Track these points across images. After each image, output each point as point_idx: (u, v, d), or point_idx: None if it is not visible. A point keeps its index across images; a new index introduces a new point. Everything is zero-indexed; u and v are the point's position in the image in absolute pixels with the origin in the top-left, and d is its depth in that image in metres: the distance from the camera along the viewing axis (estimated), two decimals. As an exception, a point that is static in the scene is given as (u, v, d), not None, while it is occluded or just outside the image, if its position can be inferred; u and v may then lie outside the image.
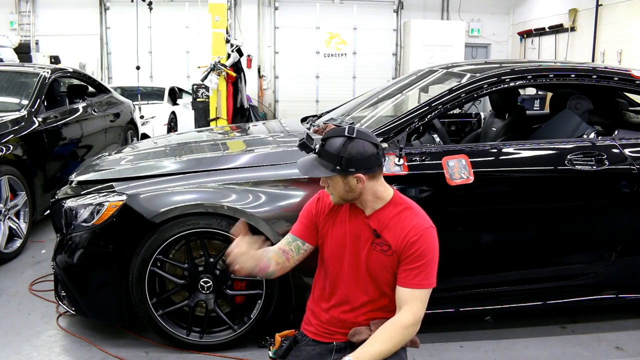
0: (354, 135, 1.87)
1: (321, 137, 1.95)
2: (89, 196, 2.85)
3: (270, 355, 2.04)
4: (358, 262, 1.98)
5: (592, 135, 3.07)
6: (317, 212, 2.07)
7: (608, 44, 10.27)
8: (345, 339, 1.97)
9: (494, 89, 3.04)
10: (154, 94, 9.95)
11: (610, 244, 3.01)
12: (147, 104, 9.19)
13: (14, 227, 4.25)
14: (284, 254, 2.05)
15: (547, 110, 4.07)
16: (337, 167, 1.86)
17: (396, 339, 1.84)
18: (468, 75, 3.10)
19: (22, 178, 4.29)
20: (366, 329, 1.94)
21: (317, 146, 1.92)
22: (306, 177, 2.74)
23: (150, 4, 9.16)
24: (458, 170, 2.79)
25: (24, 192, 4.32)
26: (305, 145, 1.93)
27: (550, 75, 3.10)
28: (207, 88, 7.88)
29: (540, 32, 12.47)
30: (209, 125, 7.70)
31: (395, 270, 1.93)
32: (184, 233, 2.71)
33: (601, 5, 10.42)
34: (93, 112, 5.87)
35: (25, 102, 4.82)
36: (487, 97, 3.49)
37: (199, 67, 8.18)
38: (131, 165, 3.20)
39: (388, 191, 1.98)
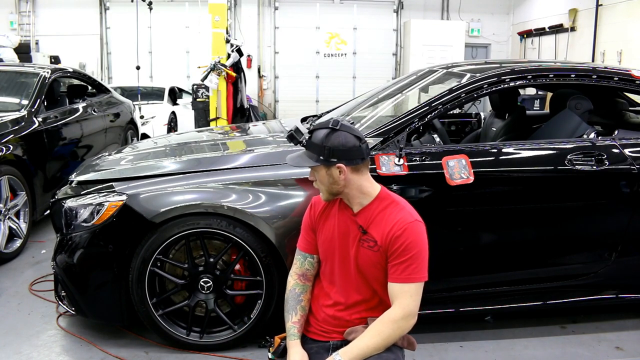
0: (338, 128, 1.93)
1: (292, 134, 2.01)
2: (89, 196, 2.85)
3: (270, 357, 2.04)
4: (348, 260, 2.00)
5: (592, 135, 3.07)
6: (311, 219, 2.12)
7: (608, 44, 10.27)
8: (342, 338, 1.99)
9: (494, 89, 3.04)
10: (154, 94, 9.95)
11: (610, 244, 3.01)
12: (147, 104, 9.19)
13: (14, 227, 4.25)
14: (305, 279, 2.12)
15: (547, 110, 4.07)
16: (320, 157, 1.92)
17: (385, 332, 1.86)
18: (468, 75, 3.10)
19: (22, 178, 4.29)
20: (362, 328, 1.95)
21: (305, 139, 1.97)
22: (305, 176, 2.74)
23: (150, 4, 9.16)
24: (458, 170, 2.79)
25: (24, 192, 4.32)
26: (292, 137, 2.00)
27: (550, 75, 3.09)
28: (207, 88, 7.88)
29: (540, 32, 12.47)
30: (209, 125, 7.70)
31: (384, 266, 1.95)
32: (183, 233, 2.71)
33: (601, 5, 10.41)
34: (93, 112, 5.87)
35: (25, 102, 4.81)
36: (487, 97, 3.49)
37: (199, 67, 8.19)
38: (131, 165, 3.19)
39: (374, 187, 2.01)
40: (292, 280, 2.12)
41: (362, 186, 1.98)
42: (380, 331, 1.87)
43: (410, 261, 1.90)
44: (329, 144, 1.91)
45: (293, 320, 2.03)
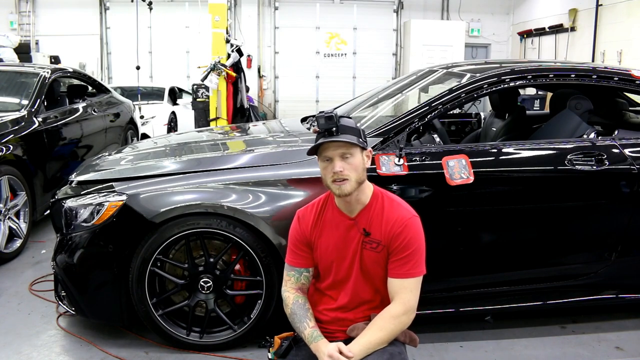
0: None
1: (333, 114, 1.93)
2: (89, 196, 2.85)
3: (270, 357, 2.04)
4: (351, 265, 2.01)
5: (592, 135, 3.07)
6: (303, 232, 2.08)
7: (608, 44, 10.27)
8: (345, 336, 2.00)
9: (494, 89, 3.04)
10: (154, 94, 9.96)
11: (610, 244, 3.01)
12: (147, 104, 9.19)
13: (14, 227, 4.25)
14: (302, 292, 2.09)
15: (547, 110, 4.07)
16: (360, 140, 1.94)
17: (387, 328, 1.89)
18: (468, 75, 3.10)
19: (22, 178, 4.29)
20: (363, 324, 1.97)
21: (334, 124, 1.92)
22: (305, 176, 2.75)
23: (150, 4, 9.16)
24: (458, 170, 2.79)
25: (24, 192, 4.32)
26: (331, 118, 1.91)
27: (550, 75, 3.09)
28: (207, 88, 7.88)
29: (540, 32, 12.48)
30: (209, 125, 7.70)
31: (386, 264, 1.97)
32: (184, 233, 2.71)
33: (601, 5, 10.42)
34: (93, 112, 5.87)
35: (25, 102, 4.81)
36: (487, 97, 3.49)
37: (199, 67, 8.18)
38: (131, 165, 3.19)
39: (369, 184, 2.05)
40: (291, 295, 2.07)
41: (366, 181, 2.01)
42: (382, 327, 1.89)
43: (410, 257, 1.93)
44: (361, 130, 1.97)
45: (311, 326, 1.98)
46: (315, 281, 2.13)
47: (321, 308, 2.07)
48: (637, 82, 3.18)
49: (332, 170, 1.92)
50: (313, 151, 1.97)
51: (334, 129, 1.90)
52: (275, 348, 2.04)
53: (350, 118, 2.00)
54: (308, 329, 1.97)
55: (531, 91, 10.94)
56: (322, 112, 1.94)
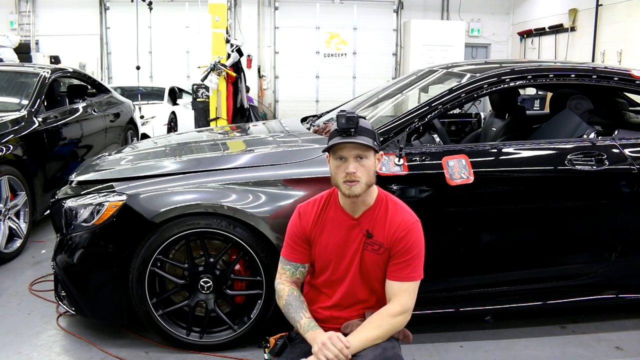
0: None
1: (355, 115, 1.93)
2: (89, 196, 2.85)
3: (266, 357, 2.05)
4: (350, 265, 2.02)
5: (592, 135, 3.07)
6: (302, 228, 2.08)
7: (608, 44, 10.27)
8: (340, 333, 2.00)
9: (494, 89, 3.04)
10: (154, 94, 9.96)
11: (610, 244, 3.01)
12: (147, 104, 9.20)
13: (14, 227, 4.25)
14: (297, 285, 2.11)
15: (547, 110, 4.07)
16: (374, 143, 1.93)
17: (384, 326, 1.91)
18: (468, 75, 3.10)
19: (22, 178, 4.29)
20: (358, 321, 1.99)
21: (355, 125, 1.92)
22: (306, 176, 2.75)
23: (150, 4, 9.16)
24: (458, 170, 2.79)
25: (24, 192, 4.32)
26: (352, 119, 1.91)
27: (550, 75, 3.09)
28: (207, 88, 7.88)
29: (540, 32, 12.48)
30: (209, 125, 7.70)
31: (386, 266, 1.99)
32: (184, 233, 2.71)
33: (601, 5, 10.42)
34: (93, 112, 5.87)
35: (25, 102, 4.81)
36: (487, 97, 3.49)
37: (199, 67, 8.18)
38: (131, 165, 3.19)
39: (374, 186, 2.04)
40: (286, 287, 2.08)
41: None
42: (380, 325, 1.92)
43: (410, 261, 1.95)
44: (376, 132, 1.98)
45: (307, 316, 2.00)
46: (310, 278, 2.14)
47: (316, 307, 2.08)
48: (637, 82, 3.18)
49: (345, 170, 1.92)
50: (328, 148, 1.97)
51: (353, 129, 1.91)
52: (270, 347, 2.05)
53: (366, 119, 1.99)
54: (304, 318, 1.98)
55: (531, 91, 10.94)
56: (343, 111, 1.94)
